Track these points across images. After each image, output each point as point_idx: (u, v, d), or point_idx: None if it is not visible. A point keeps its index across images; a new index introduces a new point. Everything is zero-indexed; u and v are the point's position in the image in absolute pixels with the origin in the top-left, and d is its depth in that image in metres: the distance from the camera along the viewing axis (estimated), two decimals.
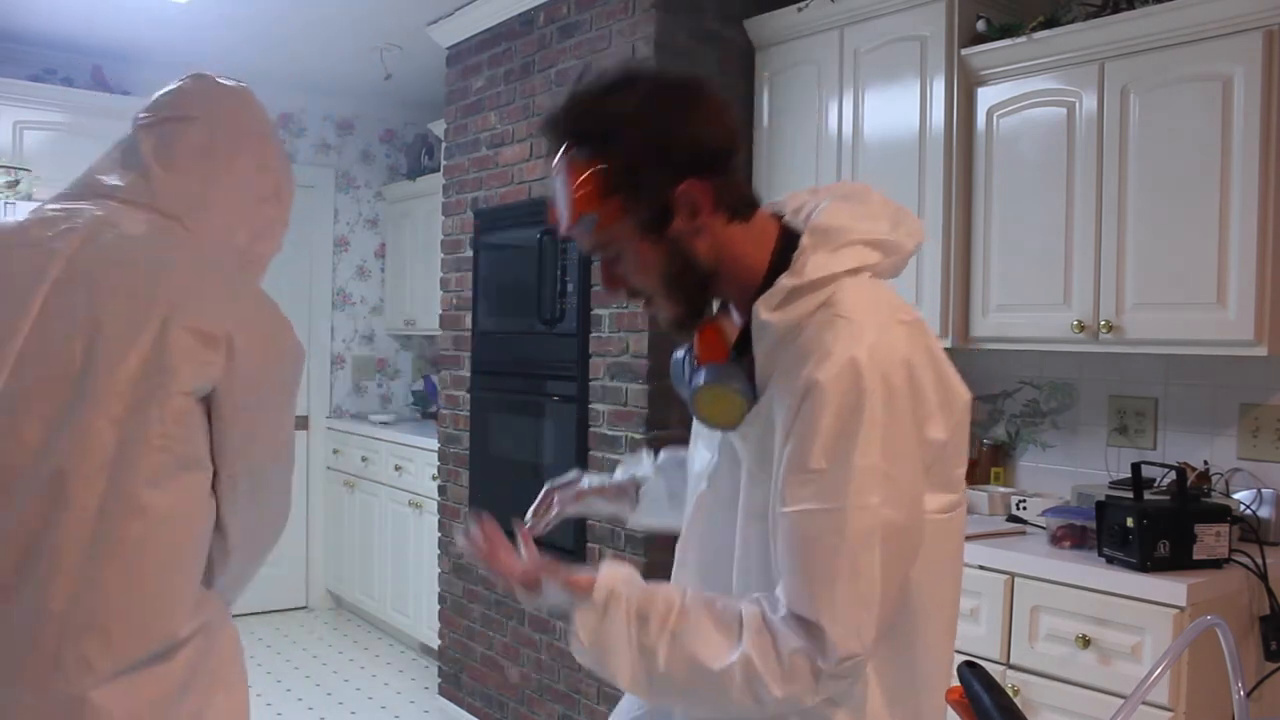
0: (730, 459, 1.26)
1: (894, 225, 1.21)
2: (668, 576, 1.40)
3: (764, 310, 1.15)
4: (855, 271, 1.16)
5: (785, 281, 1.14)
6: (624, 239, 1.17)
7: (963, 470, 1.21)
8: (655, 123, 1.14)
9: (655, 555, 3.02)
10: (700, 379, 1.19)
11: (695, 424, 1.39)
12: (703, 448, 1.35)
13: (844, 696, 1.17)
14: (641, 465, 1.62)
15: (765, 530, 1.17)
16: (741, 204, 1.20)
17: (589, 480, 1.64)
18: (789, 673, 1.09)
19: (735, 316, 1.25)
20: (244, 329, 1.29)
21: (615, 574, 1.16)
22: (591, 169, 1.15)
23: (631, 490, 1.60)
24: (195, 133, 1.38)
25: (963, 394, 1.17)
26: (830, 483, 1.09)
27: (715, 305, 1.30)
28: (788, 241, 1.19)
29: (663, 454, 1.61)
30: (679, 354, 1.32)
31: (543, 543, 1.45)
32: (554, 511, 1.62)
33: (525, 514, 1.61)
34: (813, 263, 1.15)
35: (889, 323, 1.13)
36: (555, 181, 1.20)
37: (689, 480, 1.39)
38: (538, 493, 1.67)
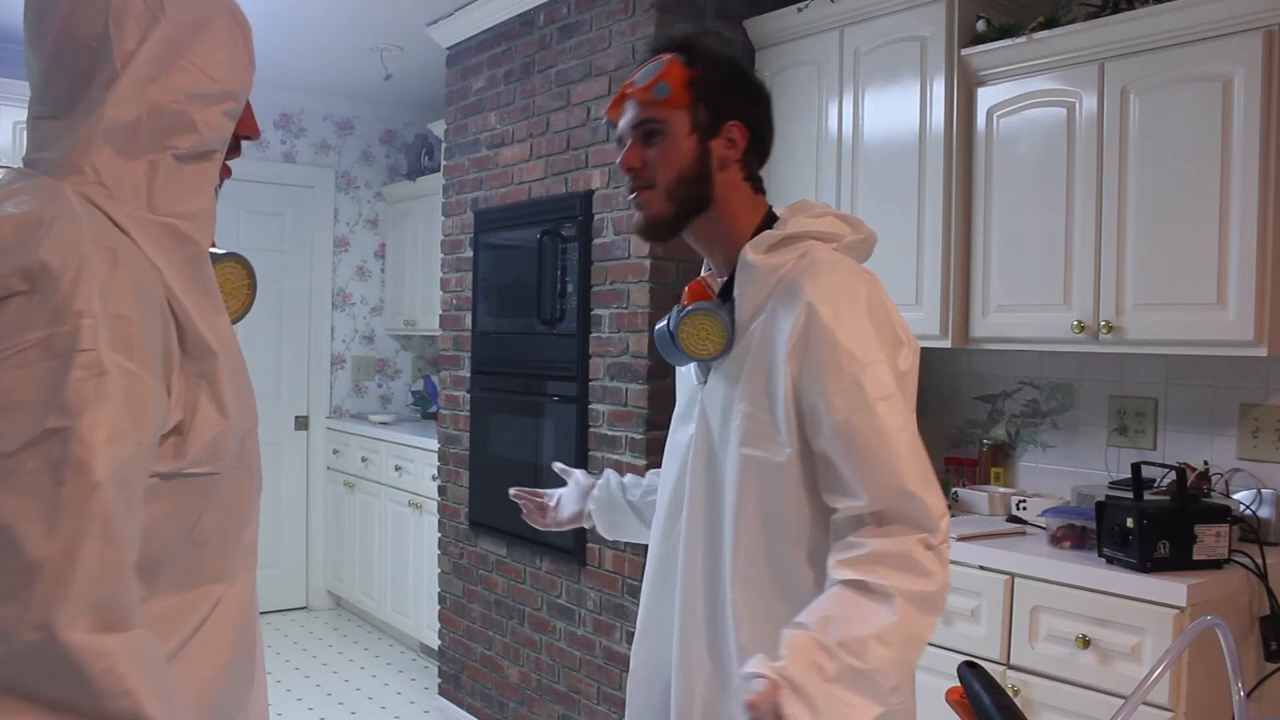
0: (705, 428, 1.41)
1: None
2: None
3: (751, 253, 1.36)
4: (828, 239, 1.39)
5: (771, 232, 1.38)
6: (675, 125, 1.39)
7: None
8: (738, 78, 1.44)
9: None
10: (684, 312, 1.39)
11: (675, 410, 1.54)
12: (682, 427, 1.49)
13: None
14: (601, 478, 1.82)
15: (764, 460, 1.31)
16: (756, 176, 1.45)
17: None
18: (926, 566, 1.22)
19: (717, 278, 1.46)
20: None
21: (762, 665, 1.17)
22: (688, 67, 1.40)
23: (588, 488, 1.81)
24: (33, 55, 1.01)
25: (915, 341, 1.37)
26: (871, 377, 1.26)
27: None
28: (772, 218, 1.43)
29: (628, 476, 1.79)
30: (661, 325, 1.46)
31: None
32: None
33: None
34: (794, 221, 1.39)
35: (859, 272, 1.37)
36: (646, 69, 1.42)
37: (667, 464, 1.53)
38: (538, 493, 1.82)
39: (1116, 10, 2.45)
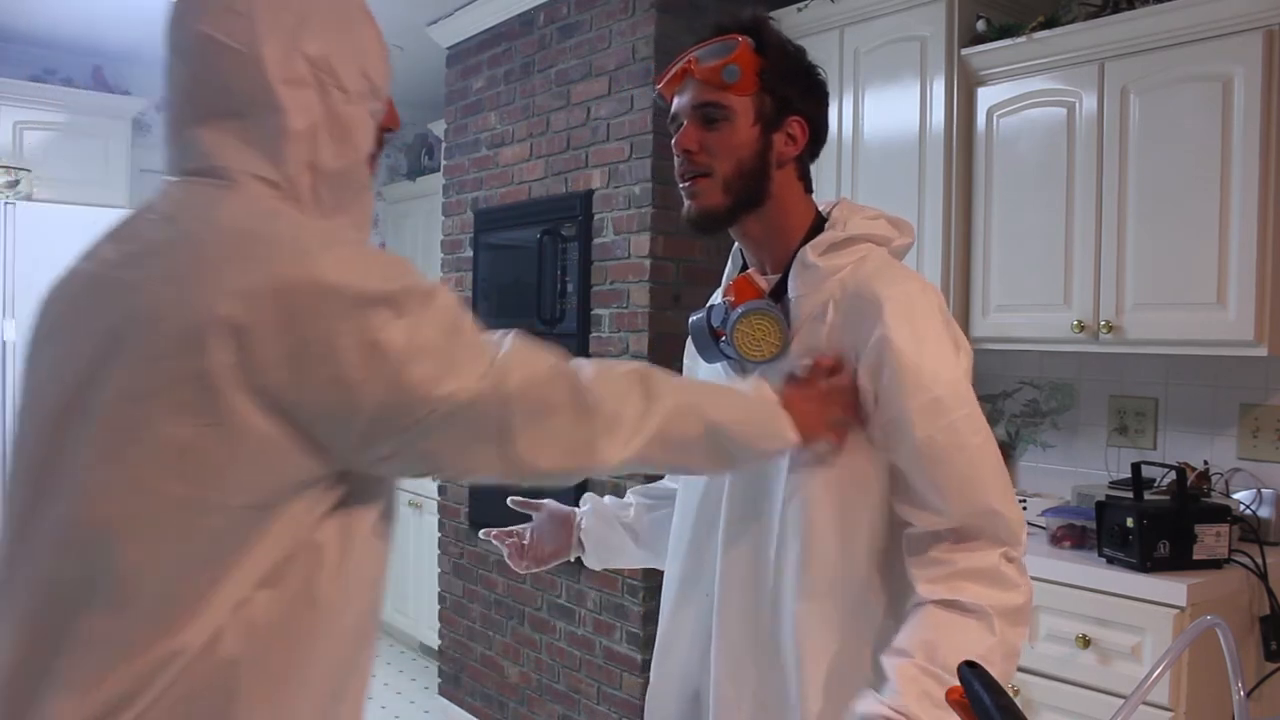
0: None
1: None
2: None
3: (812, 254, 1.31)
4: (880, 242, 1.34)
5: (831, 234, 1.33)
6: (739, 112, 1.31)
7: None
8: (805, 71, 1.37)
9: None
10: (740, 310, 1.31)
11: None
12: None
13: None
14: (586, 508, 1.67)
15: (845, 469, 1.27)
16: (808, 176, 1.39)
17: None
18: (1013, 578, 1.22)
19: (762, 279, 1.38)
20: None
21: (876, 703, 1.14)
22: (762, 57, 1.32)
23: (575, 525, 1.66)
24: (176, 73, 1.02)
25: (969, 346, 1.34)
26: (951, 392, 1.25)
27: (736, 270, 1.44)
28: (821, 221, 1.37)
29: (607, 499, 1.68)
30: (698, 316, 1.40)
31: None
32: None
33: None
34: (852, 222, 1.34)
35: (922, 280, 1.34)
36: (712, 49, 1.33)
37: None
38: (538, 493, 1.68)
39: (1116, 10, 2.45)
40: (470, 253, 3.94)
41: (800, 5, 3.05)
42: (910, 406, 1.23)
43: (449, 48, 4.09)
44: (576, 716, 3.36)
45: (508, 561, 1.66)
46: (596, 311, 3.28)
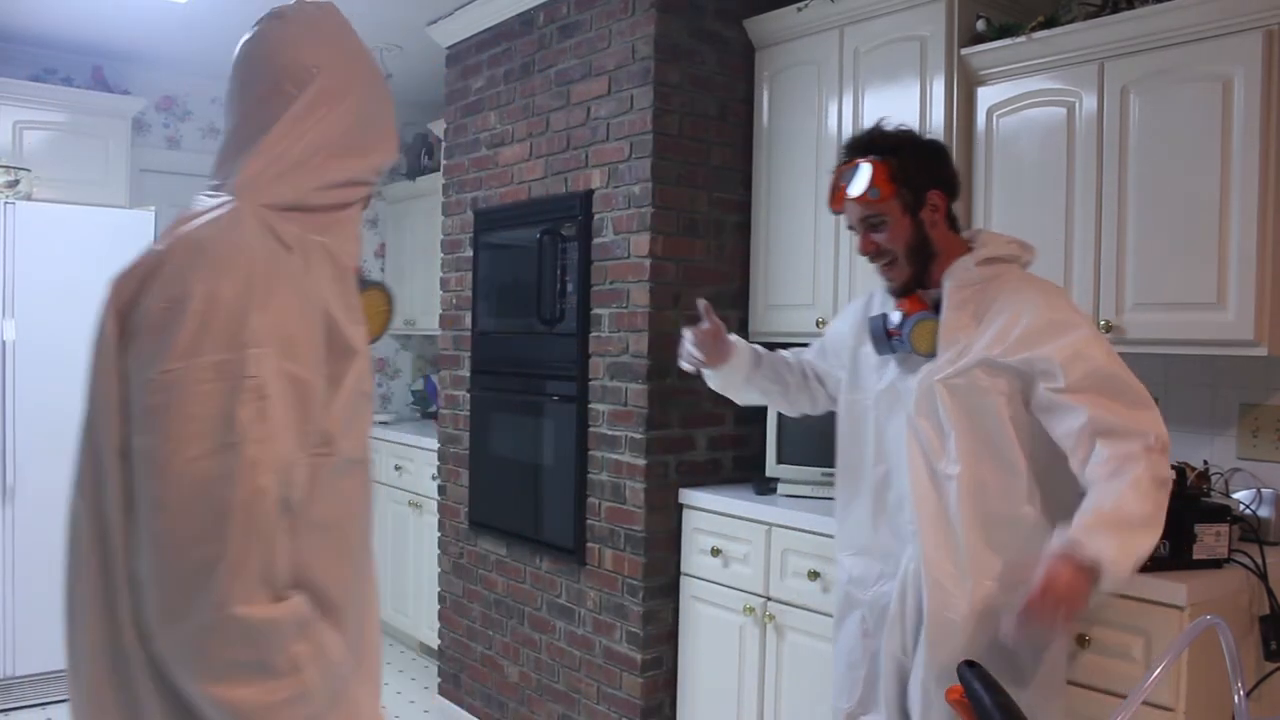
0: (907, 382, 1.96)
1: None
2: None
3: (957, 278, 1.90)
4: (1010, 259, 1.94)
5: (969, 258, 1.92)
6: (890, 213, 1.89)
7: None
8: (922, 151, 1.92)
9: (655, 554, 3.02)
10: (915, 318, 1.89)
11: (864, 361, 2.06)
12: (878, 373, 2.01)
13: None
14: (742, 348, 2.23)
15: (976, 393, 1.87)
16: (957, 221, 1.98)
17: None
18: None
19: (926, 295, 1.94)
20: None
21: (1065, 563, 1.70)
22: (885, 164, 1.87)
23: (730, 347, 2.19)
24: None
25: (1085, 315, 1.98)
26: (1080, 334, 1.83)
27: (875, 302, 2.10)
28: (966, 248, 1.96)
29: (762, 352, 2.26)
30: (876, 320, 1.95)
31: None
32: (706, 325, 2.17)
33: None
34: (989, 247, 1.94)
35: (1046, 283, 1.95)
36: (851, 173, 1.89)
37: (865, 396, 2.04)
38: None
39: (1116, 10, 2.45)
40: (470, 252, 3.94)
41: (800, 5, 3.05)
42: (1049, 360, 1.77)
43: (449, 47, 4.09)
44: (576, 716, 3.36)
45: (695, 332, 2.17)
46: (596, 311, 3.28)
